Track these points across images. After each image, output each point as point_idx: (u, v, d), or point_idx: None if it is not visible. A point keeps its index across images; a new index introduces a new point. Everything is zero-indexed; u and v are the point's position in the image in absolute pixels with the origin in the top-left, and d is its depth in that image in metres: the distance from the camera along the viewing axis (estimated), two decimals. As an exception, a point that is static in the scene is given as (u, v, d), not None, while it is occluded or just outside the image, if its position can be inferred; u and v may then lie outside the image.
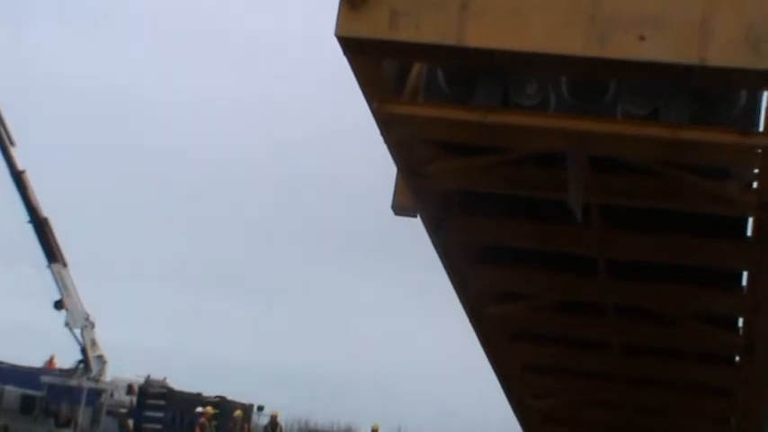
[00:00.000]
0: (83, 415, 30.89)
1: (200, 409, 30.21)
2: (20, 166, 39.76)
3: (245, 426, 31.05)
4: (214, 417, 30.19)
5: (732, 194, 9.49)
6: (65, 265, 36.52)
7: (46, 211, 37.79)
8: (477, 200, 10.92)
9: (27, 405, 29.45)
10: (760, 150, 8.61)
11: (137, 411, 32.97)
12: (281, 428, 30.61)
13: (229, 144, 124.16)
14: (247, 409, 32.11)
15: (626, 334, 13.45)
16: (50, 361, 34.64)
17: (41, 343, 32.87)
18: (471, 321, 13.70)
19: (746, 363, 13.14)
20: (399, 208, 10.59)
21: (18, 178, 38.31)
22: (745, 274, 11.56)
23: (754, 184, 9.51)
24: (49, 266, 36.40)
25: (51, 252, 36.12)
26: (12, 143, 40.77)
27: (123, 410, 33.21)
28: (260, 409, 31.82)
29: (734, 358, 13.91)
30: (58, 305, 35.30)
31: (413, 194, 10.26)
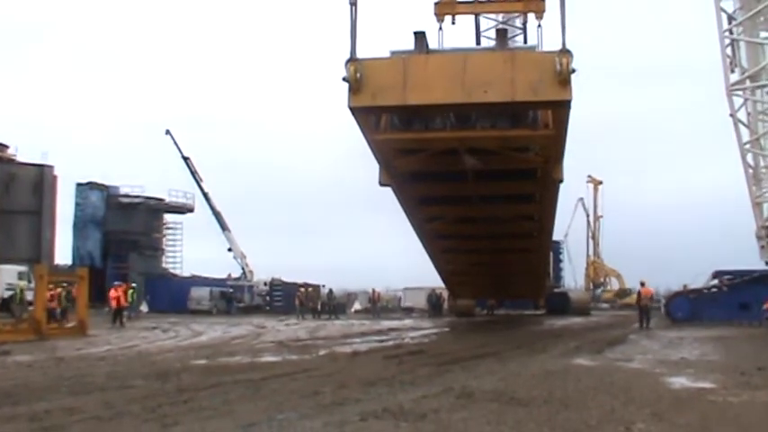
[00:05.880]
0: (247, 297, 67.12)
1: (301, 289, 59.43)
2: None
3: (317, 295, 59.95)
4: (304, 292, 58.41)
5: (530, 158, 19.81)
6: (229, 230, 72.22)
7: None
8: (416, 175, 20.74)
9: (223, 295, 62.51)
10: (539, 137, 18.74)
11: (270, 293, 69.23)
12: (333, 294, 57.90)
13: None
14: (319, 287, 63.58)
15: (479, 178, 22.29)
16: (229, 275, 71.31)
17: (225, 267, 71.63)
18: (413, 225, 26.37)
19: (543, 176, 21.76)
20: (382, 182, 20.00)
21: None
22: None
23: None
24: (223, 232, 72.05)
25: (223, 224, 71.81)
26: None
27: (265, 292, 69.37)
28: (323, 286, 62.98)
29: (536, 172, 21.89)
30: (230, 250, 72.51)
31: (387, 175, 19.76)
